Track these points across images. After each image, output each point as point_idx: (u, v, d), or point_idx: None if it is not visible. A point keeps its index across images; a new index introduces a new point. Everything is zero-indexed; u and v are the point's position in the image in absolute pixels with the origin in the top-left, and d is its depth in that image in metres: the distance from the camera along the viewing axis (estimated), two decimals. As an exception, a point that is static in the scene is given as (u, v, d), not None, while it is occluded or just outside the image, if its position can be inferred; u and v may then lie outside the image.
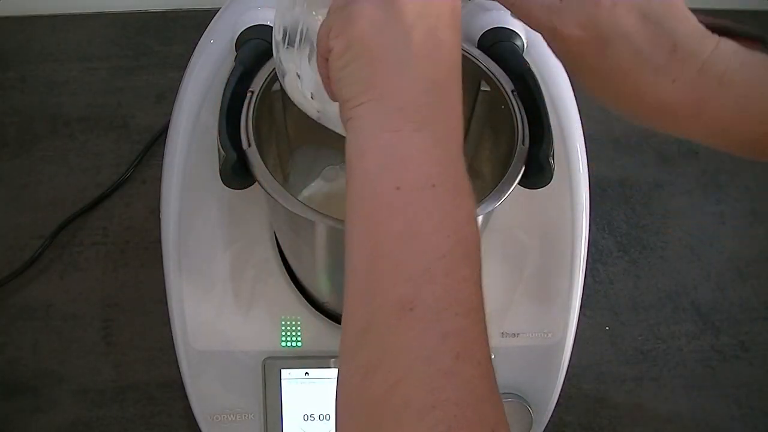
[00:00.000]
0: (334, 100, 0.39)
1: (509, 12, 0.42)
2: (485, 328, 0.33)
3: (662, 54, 0.38)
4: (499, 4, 0.43)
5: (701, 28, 0.39)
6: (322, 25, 0.38)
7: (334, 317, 0.58)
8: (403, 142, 0.34)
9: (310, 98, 0.45)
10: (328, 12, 0.37)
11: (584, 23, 0.39)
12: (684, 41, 0.39)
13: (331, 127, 0.46)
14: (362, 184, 0.35)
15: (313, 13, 0.42)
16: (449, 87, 0.36)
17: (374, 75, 0.35)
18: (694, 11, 0.40)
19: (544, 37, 0.42)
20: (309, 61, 0.44)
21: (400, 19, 0.35)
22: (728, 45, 0.39)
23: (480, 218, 0.47)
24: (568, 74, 0.44)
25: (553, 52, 0.43)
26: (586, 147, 0.57)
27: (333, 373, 0.59)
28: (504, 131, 0.51)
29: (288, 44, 0.44)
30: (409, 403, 0.30)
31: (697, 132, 0.41)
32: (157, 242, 0.57)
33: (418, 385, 0.30)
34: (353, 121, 0.36)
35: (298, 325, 0.58)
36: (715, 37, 0.39)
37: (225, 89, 0.49)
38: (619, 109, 0.41)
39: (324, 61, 0.38)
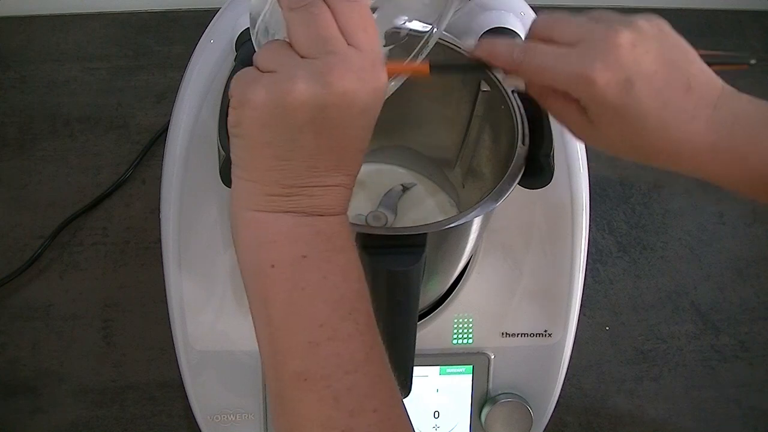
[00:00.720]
0: None
1: (510, 12, 0.42)
2: (381, 374, 0.36)
3: (679, 93, 0.39)
4: (499, 4, 0.43)
5: (707, 68, 0.40)
6: (231, 83, 0.37)
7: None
8: (272, 222, 0.36)
9: None
10: (236, 77, 0.37)
11: (610, 65, 0.38)
12: (696, 81, 0.39)
13: None
14: (245, 260, 0.38)
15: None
16: (332, 179, 0.37)
17: (252, 160, 0.36)
18: (694, 11, 0.40)
19: (553, 113, 0.42)
20: None
21: (289, 120, 0.34)
22: (728, 86, 0.40)
23: (480, 218, 0.47)
24: (578, 138, 0.44)
25: (565, 122, 0.42)
26: (586, 147, 0.57)
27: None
28: (504, 131, 0.51)
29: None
30: None
31: (715, 172, 0.41)
32: (157, 242, 0.57)
33: None
34: (233, 185, 0.38)
35: (298, 325, 0.58)
36: (719, 78, 0.40)
37: (225, 89, 0.49)
38: (638, 151, 0.41)
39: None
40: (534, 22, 0.42)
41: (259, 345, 0.37)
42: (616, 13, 0.41)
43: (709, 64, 0.41)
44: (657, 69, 0.39)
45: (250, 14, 0.41)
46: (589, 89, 0.39)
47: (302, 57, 0.34)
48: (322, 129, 0.35)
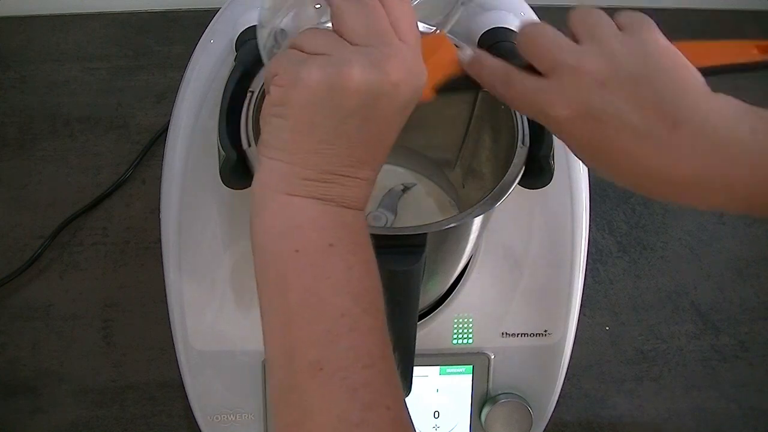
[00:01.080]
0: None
1: (509, 12, 0.42)
2: (393, 372, 0.35)
3: (663, 130, 0.35)
4: (499, 4, 0.42)
5: (704, 88, 0.37)
6: (272, 61, 0.37)
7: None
8: (302, 207, 0.36)
9: None
10: (280, 56, 0.37)
11: (572, 103, 0.37)
12: (687, 113, 0.36)
13: None
14: (264, 244, 0.36)
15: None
16: (364, 171, 0.37)
17: (292, 143, 0.36)
18: (694, 11, 0.39)
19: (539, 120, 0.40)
20: None
21: (342, 103, 0.35)
22: (733, 105, 0.36)
23: (480, 218, 0.47)
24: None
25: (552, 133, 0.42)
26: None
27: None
28: (504, 131, 0.51)
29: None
30: None
31: (711, 202, 0.37)
32: (157, 242, 0.57)
33: None
34: (263, 166, 0.37)
35: (298, 325, 0.58)
36: (719, 96, 0.36)
37: (225, 89, 0.49)
38: (624, 184, 0.39)
39: (267, 93, 0.38)
40: (519, 35, 0.40)
41: (267, 334, 0.36)
42: (607, 23, 0.38)
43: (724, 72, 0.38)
44: (631, 108, 0.36)
45: (260, 22, 0.41)
46: (552, 125, 0.39)
47: (354, 45, 0.35)
48: (368, 117, 0.35)
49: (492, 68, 0.41)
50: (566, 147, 0.54)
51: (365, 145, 0.36)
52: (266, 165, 0.37)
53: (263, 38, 0.42)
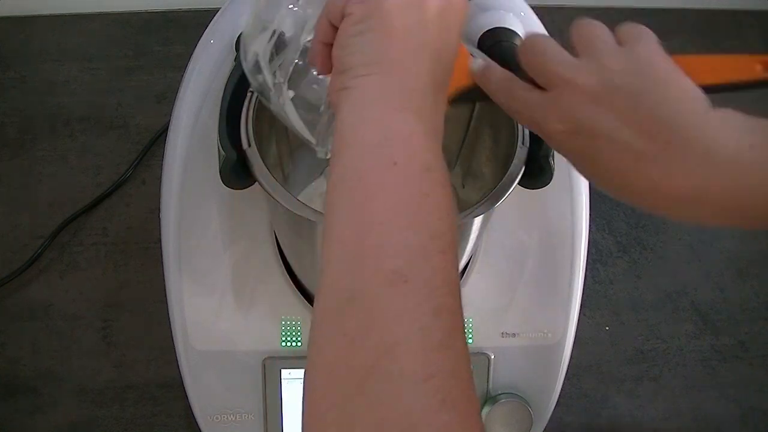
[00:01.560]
0: (323, 73, 0.40)
1: (509, 12, 0.42)
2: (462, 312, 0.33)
3: (655, 147, 0.35)
4: (499, 4, 0.43)
5: (702, 104, 0.36)
6: None
7: (334, 317, 0.58)
8: (403, 121, 0.35)
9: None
10: None
11: (564, 119, 0.37)
12: (680, 131, 0.35)
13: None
14: (356, 156, 0.34)
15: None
16: (444, 87, 0.38)
17: (387, 51, 0.36)
18: (694, 11, 0.39)
19: (537, 132, 0.41)
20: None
21: (427, 7, 0.36)
22: (733, 120, 0.36)
23: (480, 218, 0.47)
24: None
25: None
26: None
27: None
28: (504, 131, 0.51)
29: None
30: (405, 370, 0.29)
31: (708, 217, 0.37)
32: (157, 242, 0.57)
33: (414, 354, 0.29)
34: (351, 91, 0.36)
35: (298, 325, 0.58)
36: (719, 111, 0.36)
37: (225, 89, 0.49)
38: (620, 199, 0.39)
39: (327, 25, 0.38)
40: (521, 48, 0.40)
41: (331, 244, 0.33)
42: (605, 36, 0.38)
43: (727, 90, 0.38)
44: (624, 125, 0.36)
45: (244, 39, 0.42)
46: (547, 139, 0.39)
47: None
48: (443, 26, 0.37)
49: (498, 79, 0.42)
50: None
51: (445, 53, 0.37)
52: (360, 84, 0.36)
53: (248, 56, 0.42)
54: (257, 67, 0.43)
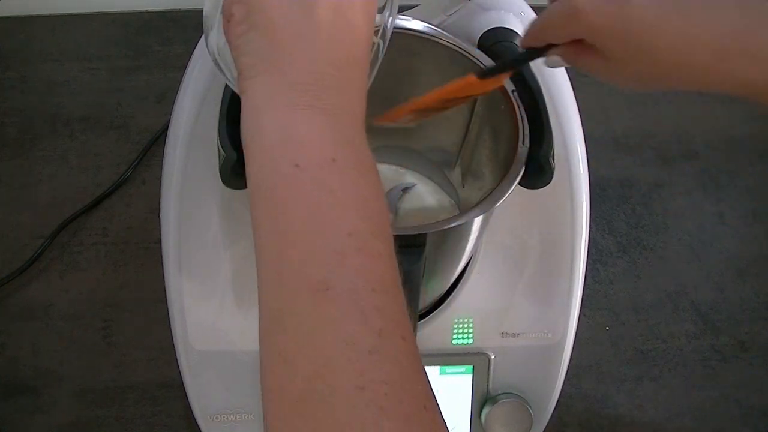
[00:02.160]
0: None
1: (509, 12, 0.42)
2: (404, 303, 0.32)
3: None
4: (499, 4, 0.43)
5: None
6: None
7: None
8: (296, 119, 0.33)
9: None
10: None
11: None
12: None
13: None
14: (260, 164, 0.33)
15: None
16: (351, 66, 0.35)
17: (271, 47, 0.34)
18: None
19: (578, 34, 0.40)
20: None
21: None
22: None
23: (480, 218, 0.47)
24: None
25: (596, 74, 0.41)
26: (586, 147, 0.57)
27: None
28: (504, 131, 0.51)
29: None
30: (336, 387, 0.28)
31: (750, 78, 0.37)
32: (157, 242, 0.57)
33: (343, 368, 0.29)
34: (246, 95, 0.34)
35: (298, 325, 0.58)
36: None
37: (225, 89, 0.49)
38: (664, 74, 0.39)
39: (227, 24, 0.36)
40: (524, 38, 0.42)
41: (260, 261, 0.32)
42: None
43: None
44: None
45: (205, 24, 0.41)
46: (582, 21, 0.38)
47: None
48: (335, 6, 0.34)
49: (531, 24, 0.42)
50: (566, 146, 0.54)
51: (341, 37, 0.35)
52: (252, 87, 0.34)
53: (213, 41, 0.41)
54: (216, 63, 0.42)
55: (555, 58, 0.44)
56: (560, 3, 0.39)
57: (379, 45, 0.41)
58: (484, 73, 0.45)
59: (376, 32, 0.41)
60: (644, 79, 0.40)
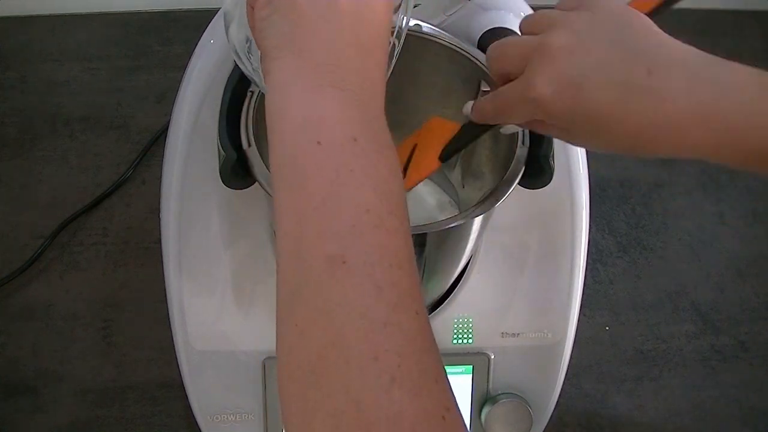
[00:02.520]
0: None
1: (509, 12, 0.43)
2: (419, 281, 0.33)
3: (640, 77, 0.37)
4: (499, 4, 0.43)
5: (667, 36, 0.39)
6: None
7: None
8: (320, 98, 0.34)
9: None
10: None
11: (548, 79, 0.38)
12: (657, 59, 0.37)
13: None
14: (282, 142, 0.34)
15: None
16: (372, 49, 0.36)
17: (295, 28, 0.35)
18: (694, 11, 0.40)
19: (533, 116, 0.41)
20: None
21: None
22: (704, 54, 0.38)
23: (480, 218, 0.47)
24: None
25: (560, 138, 0.43)
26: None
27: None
28: (504, 131, 0.51)
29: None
30: (350, 357, 0.29)
31: (711, 149, 0.38)
32: (157, 242, 0.57)
33: (357, 339, 0.29)
34: (271, 76, 0.35)
35: (298, 325, 0.58)
36: (682, 43, 0.38)
37: (225, 89, 0.49)
38: (627, 148, 0.40)
39: (252, 10, 0.37)
40: (487, 59, 0.43)
41: (280, 235, 0.33)
42: (551, 11, 0.41)
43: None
44: (604, 64, 0.37)
45: (226, 17, 0.41)
46: (541, 109, 0.39)
47: None
48: None
49: (483, 102, 0.44)
50: (566, 146, 0.54)
51: (363, 21, 0.36)
52: (276, 67, 0.35)
53: (234, 34, 0.41)
54: (237, 55, 0.42)
55: (510, 126, 0.46)
56: (513, 90, 0.40)
57: (394, 44, 0.42)
58: (447, 156, 0.48)
59: (392, 32, 0.41)
60: (607, 149, 0.41)
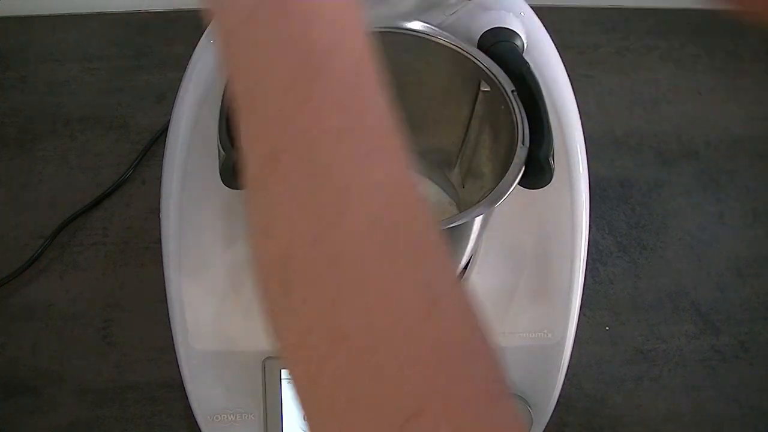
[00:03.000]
0: None
1: (509, 12, 0.42)
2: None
3: None
4: (499, 4, 0.42)
5: None
6: None
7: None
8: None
9: None
10: None
11: None
12: None
13: None
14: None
15: None
16: None
17: None
18: (694, 11, 0.39)
19: None
20: None
21: None
22: None
23: (480, 218, 0.47)
24: None
25: None
26: (586, 147, 0.57)
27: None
28: (504, 131, 0.51)
29: None
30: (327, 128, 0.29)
31: None
32: (157, 242, 0.57)
33: (338, 114, 0.29)
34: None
35: (298, 325, 0.58)
36: None
37: (225, 89, 0.49)
38: None
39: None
40: None
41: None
42: None
43: None
44: None
45: None
46: None
47: None
48: None
49: None
50: (566, 146, 0.54)
51: None
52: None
53: None
54: None
55: None
56: None
57: None
58: None
59: None
60: None
